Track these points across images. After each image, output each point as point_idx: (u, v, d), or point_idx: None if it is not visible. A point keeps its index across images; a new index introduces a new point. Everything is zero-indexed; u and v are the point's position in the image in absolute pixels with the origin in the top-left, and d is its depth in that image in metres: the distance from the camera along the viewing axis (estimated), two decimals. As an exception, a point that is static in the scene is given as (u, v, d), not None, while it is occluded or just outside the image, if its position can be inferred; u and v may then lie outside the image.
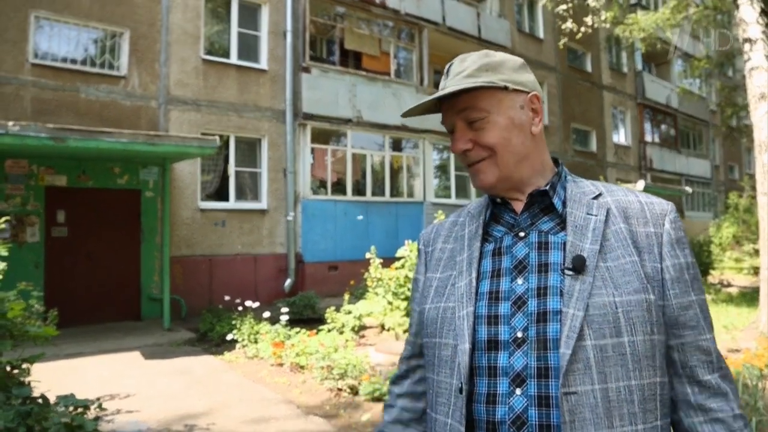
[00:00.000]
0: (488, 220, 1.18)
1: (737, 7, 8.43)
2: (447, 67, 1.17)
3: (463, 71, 1.12)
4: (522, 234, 1.11)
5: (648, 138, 22.76)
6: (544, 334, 1.00)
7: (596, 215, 1.08)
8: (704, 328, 1.06)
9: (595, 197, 1.12)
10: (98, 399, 5.38)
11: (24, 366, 3.99)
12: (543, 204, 1.13)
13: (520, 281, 1.06)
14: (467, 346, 1.04)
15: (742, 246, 16.17)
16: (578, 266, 1.02)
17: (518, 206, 1.15)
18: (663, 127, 24.22)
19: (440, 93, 1.12)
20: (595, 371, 0.96)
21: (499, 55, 1.16)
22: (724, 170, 28.02)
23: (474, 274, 1.11)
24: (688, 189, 20.49)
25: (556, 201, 1.12)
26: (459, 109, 1.13)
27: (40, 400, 3.38)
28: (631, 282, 1.01)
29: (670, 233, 1.07)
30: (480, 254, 1.14)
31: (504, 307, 1.05)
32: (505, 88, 1.11)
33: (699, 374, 1.04)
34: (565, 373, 0.95)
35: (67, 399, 3.55)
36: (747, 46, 8.24)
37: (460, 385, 1.04)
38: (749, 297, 11.22)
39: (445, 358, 1.09)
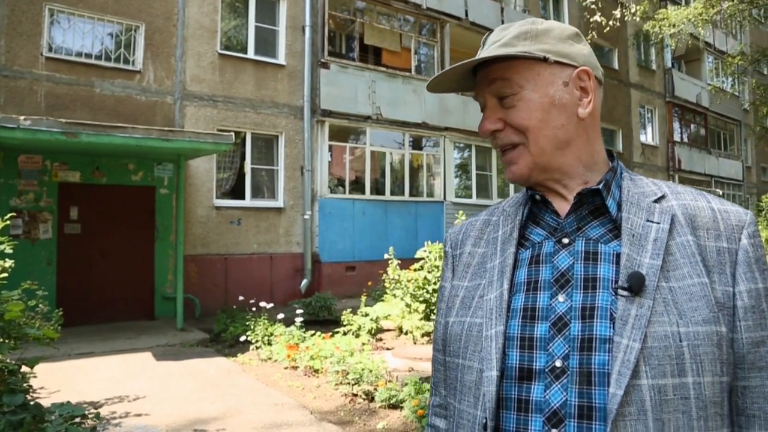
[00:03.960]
0: (525, 221, 1.00)
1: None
2: (485, 36, 1.01)
3: (500, 40, 0.96)
4: (566, 240, 0.93)
5: (677, 138, 22.21)
6: (589, 366, 0.82)
7: (658, 223, 0.90)
8: None
9: (657, 200, 0.93)
10: (106, 401, 5.28)
11: (23, 369, 3.82)
12: (593, 205, 0.94)
13: (561, 298, 0.88)
14: (494, 373, 0.88)
15: (776, 250, 15.58)
16: (635, 286, 0.83)
17: (561, 206, 0.97)
18: (692, 126, 23.65)
19: (461, 63, 0.96)
20: (651, 417, 0.78)
21: (548, 22, 0.98)
22: (756, 172, 27.26)
23: (506, 286, 0.93)
24: (718, 191, 19.89)
25: (610, 202, 0.93)
26: (490, 80, 0.96)
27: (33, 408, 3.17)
28: (699, 309, 0.82)
29: (748, 251, 0.88)
30: (515, 261, 0.96)
31: (541, 329, 0.88)
32: (545, 60, 0.93)
33: (756, 427, 0.85)
34: (614, 419, 0.78)
35: (63, 407, 3.33)
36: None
37: (484, 420, 0.88)
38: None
39: (468, 383, 0.93)
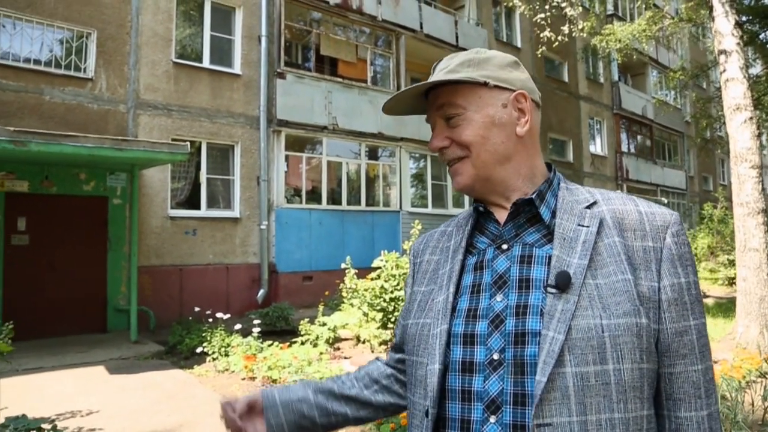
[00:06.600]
0: (473, 231, 1.11)
1: (713, 19, 8.49)
2: (435, 64, 1.12)
3: (447, 67, 1.07)
4: (505, 246, 1.03)
5: (624, 148, 23.01)
6: (522, 358, 0.91)
7: (588, 226, 0.99)
8: (697, 357, 0.95)
9: (589, 206, 1.03)
10: (57, 417, 5.14)
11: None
12: (529, 214, 1.04)
13: (499, 298, 0.98)
14: (437, 366, 0.98)
15: (717, 257, 16.31)
16: (562, 283, 0.92)
17: (502, 216, 1.07)
18: (639, 137, 24.53)
19: (413, 86, 1.07)
20: (574, 401, 0.87)
21: (490, 52, 1.09)
22: (698, 181, 28.45)
23: (452, 289, 1.03)
24: (664, 200, 20.70)
25: (544, 211, 1.03)
26: (438, 105, 1.08)
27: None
28: (621, 303, 0.91)
29: (671, 248, 0.97)
30: (462, 267, 1.06)
31: (481, 326, 0.97)
32: (485, 84, 1.04)
33: (681, 409, 0.94)
34: (539, 403, 0.87)
35: (18, 421, 3.25)
36: (722, 58, 8.28)
37: (426, 407, 0.98)
38: (725, 308, 11.26)
39: (419, 377, 1.02)
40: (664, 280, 0.94)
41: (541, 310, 0.92)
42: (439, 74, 1.07)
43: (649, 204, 1.03)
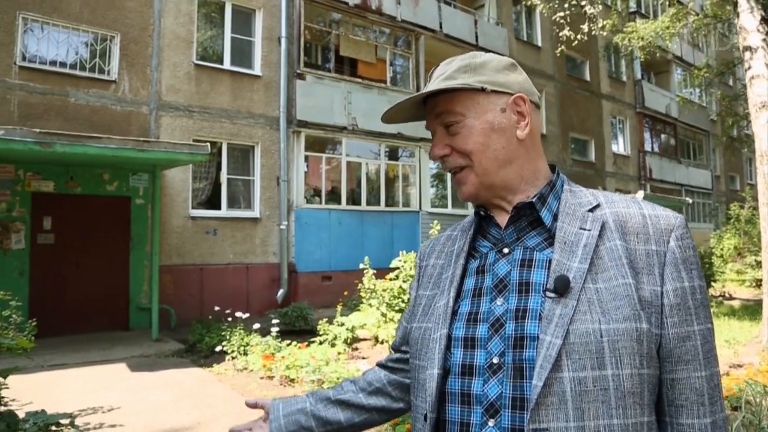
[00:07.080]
0: (476, 235, 1.11)
1: (738, 15, 8.33)
2: (432, 70, 1.11)
3: (444, 74, 1.06)
4: (506, 250, 1.03)
5: (647, 147, 22.66)
6: (521, 362, 0.91)
7: (589, 230, 0.98)
8: (701, 364, 0.93)
9: (592, 209, 1.01)
10: (80, 412, 5.23)
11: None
12: (531, 217, 1.03)
13: (499, 302, 0.98)
14: (436, 371, 0.98)
15: (744, 258, 15.98)
16: (560, 288, 0.91)
17: (504, 219, 1.06)
18: (663, 136, 24.13)
19: (410, 97, 1.07)
20: (571, 406, 0.86)
21: (486, 56, 1.09)
22: (725, 180, 27.91)
23: (453, 294, 1.04)
24: (688, 200, 20.33)
25: (545, 214, 1.02)
26: (437, 113, 1.07)
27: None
28: (621, 308, 0.90)
29: (675, 252, 0.95)
30: (464, 272, 1.07)
31: (481, 330, 0.97)
32: (483, 90, 1.03)
33: (683, 416, 0.92)
34: (534, 407, 0.86)
35: (38, 416, 3.33)
36: (747, 55, 8.13)
37: (425, 412, 0.99)
38: (752, 310, 11.05)
39: (421, 381, 1.03)
40: (667, 285, 0.93)
41: (540, 315, 0.92)
42: (435, 81, 1.06)
43: (654, 207, 1.01)
